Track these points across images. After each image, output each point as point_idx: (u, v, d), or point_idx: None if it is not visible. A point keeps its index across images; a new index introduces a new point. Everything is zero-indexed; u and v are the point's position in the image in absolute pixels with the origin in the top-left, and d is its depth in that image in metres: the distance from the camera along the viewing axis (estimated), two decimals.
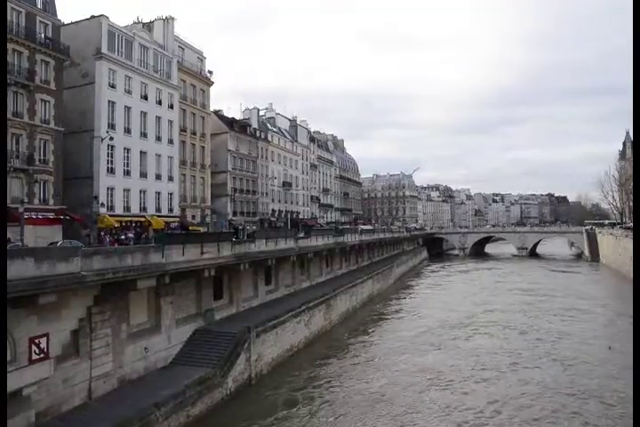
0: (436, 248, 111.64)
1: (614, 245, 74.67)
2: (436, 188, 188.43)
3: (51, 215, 31.19)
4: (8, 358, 13.63)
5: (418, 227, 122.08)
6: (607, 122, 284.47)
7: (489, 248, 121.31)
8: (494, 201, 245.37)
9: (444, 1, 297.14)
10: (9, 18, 29.04)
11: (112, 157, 37.12)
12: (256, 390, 22.62)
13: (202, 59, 52.37)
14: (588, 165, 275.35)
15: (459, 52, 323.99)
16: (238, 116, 67.58)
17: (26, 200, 28.58)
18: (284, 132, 78.16)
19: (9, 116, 28.80)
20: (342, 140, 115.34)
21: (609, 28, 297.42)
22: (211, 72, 53.10)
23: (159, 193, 42.11)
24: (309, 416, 20.04)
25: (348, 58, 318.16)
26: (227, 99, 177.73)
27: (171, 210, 43.40)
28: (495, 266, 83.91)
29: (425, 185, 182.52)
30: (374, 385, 23.75)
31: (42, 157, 31.50)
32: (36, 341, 14.62)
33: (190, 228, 40.06)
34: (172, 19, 46.20)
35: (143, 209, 39.98)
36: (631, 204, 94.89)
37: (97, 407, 16.64)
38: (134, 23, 44.01)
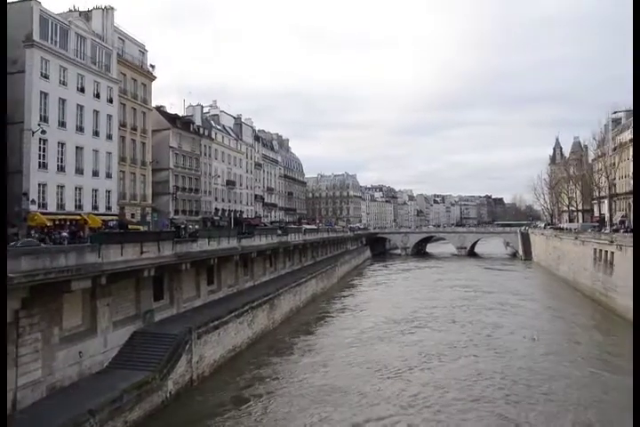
0: (379, 248, 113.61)
1: (545, 245, 78.72)
2: (380, 188, 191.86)
3: None
4: None
5: (361, 227, 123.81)
6: (540, 128, 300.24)
7: (430, 248, 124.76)
8: (435, 202, 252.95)
9: (392, 5, 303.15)
10: None
11: (44, 151, 35.11)
12: (199, 392, 22.17)
13: (143, 52, 50.64)
14: (522, 168, 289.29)
15: (404, 56, 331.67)
16: (181, 113, 65.98)
17: None
18: (229, 130, 77.05)
19: None
20: (287, 140, 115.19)
21: (548, 40, 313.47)
22: (153, 66, 51.48)
23: (96, 190, 40.35)
24: (262, 412, 20.21)
25: (292, 57, 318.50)
26: (169, 95, 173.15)
27: (109, 208, 41.71)
28: (436, 265, 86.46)
29: (369, 185, 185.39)
30: (324, 378, 24.38)
31: None
32: None
33: (130, 226, 38.53)
34: (112, 9, 44.31)
35: (79, 207, 38.14)
36: (560, 206, 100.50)
37: (21, 419, 15.47)
38: (70, 11, 41.92)
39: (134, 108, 47.71)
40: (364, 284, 63.14)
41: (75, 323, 19.76)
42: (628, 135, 76.31)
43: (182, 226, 40.41)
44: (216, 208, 66.51)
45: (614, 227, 62.43)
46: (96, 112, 40.63)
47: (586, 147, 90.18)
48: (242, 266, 38.54)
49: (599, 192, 75.72)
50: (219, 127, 72.68)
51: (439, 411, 20.01)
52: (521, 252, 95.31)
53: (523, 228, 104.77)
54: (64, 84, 37.13)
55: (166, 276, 26.91)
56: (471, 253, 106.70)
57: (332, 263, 63.29)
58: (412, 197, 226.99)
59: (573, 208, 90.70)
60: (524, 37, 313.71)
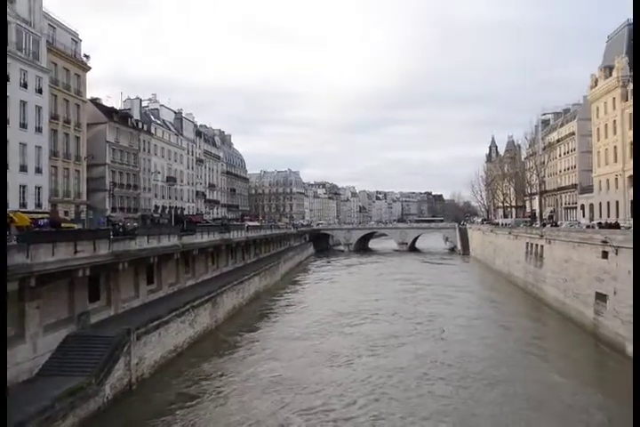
0: (323, 244, 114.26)
1: (482, 240, 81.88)
2: (323, 185, 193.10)
3: None
4: None
5: (305, 223, 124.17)
6: (478, 127, 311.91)
7: (372, 244, 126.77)
8: (377, 198, 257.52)
9: (335, 5, 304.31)
10: None
11: None
12: (140, 395, 21.44)
13: (77, 41, 48.21)
14: (461, 166, 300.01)
15: (346, 55, 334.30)
16: (119, 107, 63.41)
17: None
18: (169, 124, 74.92)
19: None
20: (230, 136, 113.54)
21: (485, 43, 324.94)
22: (87, 56, 49.08)
23: (24, 186, 38.07)
24: (215, 405, 20.34)
25: (235, 53, 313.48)
26: (106, 87, 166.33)
27: (39, 205, 39.45)
28: (378, 260, 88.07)
29: (312, 182, 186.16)
30: (274, 370, 24.72)
31: None
32: None
33: (63, 225, 36.62)
34: None
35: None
36: (496, 202, 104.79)
37: None
38: None
39: (67, 100, 45.38)
40: (308, 280, 63.38)
41: None
42: (556, 136, 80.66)
43: (120, 224, 38.98)
44: (156, 205, 64.61)
45: (544, 222, 65.92)
46: (23, 103, 38.32)
47: (519, 146, 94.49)
48: (183, 264, 37.61)
49: (530, 189, 79.60)
50: (159, 122, 70.50)
51: (386, 392, 21.64)
52: (459, 246, 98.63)
53: (461, 223, 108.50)
54: None
55: (103, 276, 25.78)
56: (412, 249, 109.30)
57: (275, 260, 63.01)
58: (354, 194, 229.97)
59: (508, 204, 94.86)
60: (461, 40, 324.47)
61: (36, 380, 18.99)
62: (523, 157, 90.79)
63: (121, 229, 31.56)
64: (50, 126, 41.95)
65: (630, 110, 52.54)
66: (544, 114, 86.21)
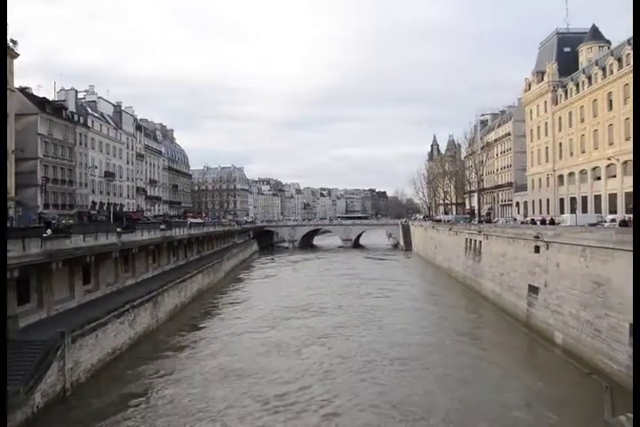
0: (267, 241, 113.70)
1: (424, 236, 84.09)
2: (267, 181, 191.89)
3: None
4: None
5: (249, 220, 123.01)
6: (421, 125, 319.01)
7: (317, 240, 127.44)
8: (322, 195, 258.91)
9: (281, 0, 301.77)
10: None
11: None
12: (75, 401, 20.53)
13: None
14: (405, 163, 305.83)
15: (291, 51, 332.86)
16: (52, 97, 60.17)
17: None
18: (107, 118, 71.90)
19: None
20: (172, 130, 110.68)
21: (429, 44, 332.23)
22: (14, 41, 46.00)
23: None
24: (167, 401, 20.43)
25: (179, 45, 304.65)
26: (38, 78, 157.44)
27: None
28: (323, 256, 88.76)
29: (256, 178, 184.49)
30: (224, 363, 25.34)
31: None
32: None
33: None
34: None
35: None
36: (437, 199, 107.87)
37: None
38: None
39: None
40: (252, 277, 63.10)
41: None
42: (493, 136, 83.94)
43: (53, 221, 37.07)
44: (93, 201, 61.98)
45: (482, 218, 68.53)
46: None
47: (459, 145, 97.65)
48: (122, 263, 36.32)
49: (470, 187, 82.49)
50: (96, 115, 67.52)
51: (337, 376, 23.36)
52: (402, 243, 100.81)
53: (404, 220, 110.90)
54: None
55: (34, 276, 24.41)
56: (356, 245, 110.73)
57: (218, 258, 62.10)
58: (299, 191, 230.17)
59: (448, 201, 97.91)
60: (405, 40, 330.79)
61: None
62: (462, 156, 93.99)
63: (54, 227, 30.04)
64: None
65: (560, 113, 55.50)
66: (483, 115, 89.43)
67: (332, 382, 22.44)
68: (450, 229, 61.21)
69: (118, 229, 35.16)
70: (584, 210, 48.21)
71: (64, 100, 60.27)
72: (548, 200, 58.17)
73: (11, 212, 43.08)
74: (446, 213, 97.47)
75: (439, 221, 78.42)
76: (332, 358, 25.98)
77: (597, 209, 46.33)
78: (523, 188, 67.39)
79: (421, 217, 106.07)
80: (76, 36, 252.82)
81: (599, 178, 47.23)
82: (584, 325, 24.20)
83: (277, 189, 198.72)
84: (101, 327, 25.08)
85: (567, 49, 58.61)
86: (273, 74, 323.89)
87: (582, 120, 50.38)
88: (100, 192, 64.81)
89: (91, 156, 62.22)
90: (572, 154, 52.46)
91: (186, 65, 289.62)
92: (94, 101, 70.47)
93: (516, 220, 56.77)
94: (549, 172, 57.31)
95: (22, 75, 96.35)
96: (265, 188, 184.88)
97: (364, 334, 31.50)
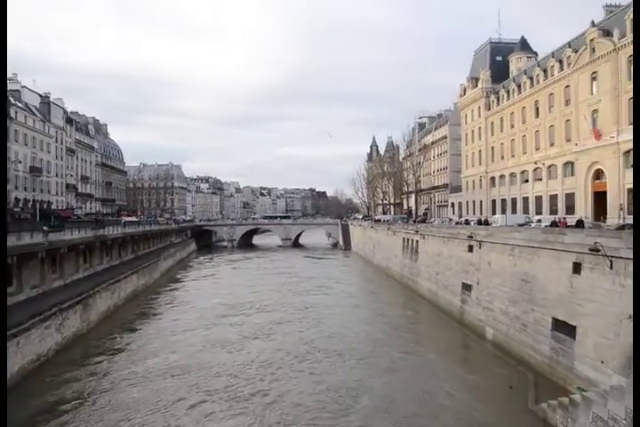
0: (206, 240, 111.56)
1: (363, 235, 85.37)
2: (206, 180, 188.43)
3: None
4: None
5: (187, 219, 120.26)
6: (360, 126, 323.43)
7: (257, 239, 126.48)
8: (262, 194, 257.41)
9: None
10: None
11: None
12: None
13: None
14: (345, 163, 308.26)
15: (233, 49, 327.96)
16: None
17: None
18: (34, 109, 67.82)
19: None
20: (105, 125, 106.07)
21: (370, 45, 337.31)
22: None
23: None
24: (105, 404, 19.77)
25: (115, 35, 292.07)
26: None
27: None
28: (262, 255, 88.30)
29: (195, 176, 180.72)
30: (166, 361, 25.27)
31: None
32: None
33: None
34: None
35: None
36: (376, 199, 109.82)
37: None
38: None
39: None
40: (191, 277, 61.80)
41: None
42: (430, 138, 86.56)
43: None
44: (17, 198, 58.27)
45: (419, 218, 70.48)
46: None
47: (397, 146, 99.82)
48: (49, 264, 34.29)
49: (408, 188, 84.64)
50: (20, 105, 63.45)
51: (279, 367, 24.43)
52: (341, 242, 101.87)
53: (343, 219, 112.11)
54: None
55: None
56: (296, 244, 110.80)
57: (154, 258, 60.23)
58: (238, 190, 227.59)
59: (387, 202, 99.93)
60: (347, 41, 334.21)
61: None
62: (401, 158, 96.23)
63: None
64: None
65: (493, 119, 58.03)
66: (421, 117, 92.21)
67: (274, 373, 23.53)
68: (388, 229, 62.42)
69: (45, 228, 33.22)
70: (513, 211, 50.73)
71: None
72: (481, 201, 60.67)
73: None
74: (385, 213, 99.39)
75: (378, 220, 79.78)
76: (273, 352, 26.82)
77: (525, 210, 48.87)
78: (458, 189, 69.91)
79: (361, 217, 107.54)
80: None
81: (527, 181, 49.82)
82: (512, 320, 25.36)
83: (216, 187, 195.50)
84: (23, 333, 23.41)
85: (499, 58, 61.53)
86: (215, 70, 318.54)
87: (512, 126, 52.99)
88: (25, 188, 61.11)
89: (14, 149, 58.48)
90: (502, 157, 55.02)
91: (124, 58, 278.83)
92: (18, 90, 65.96)
93: (451, 220, 58.71)
94: (482, 174, 59.82)
95: None
96: (204, 186, 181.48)
97: (303, 329, 32.44)
